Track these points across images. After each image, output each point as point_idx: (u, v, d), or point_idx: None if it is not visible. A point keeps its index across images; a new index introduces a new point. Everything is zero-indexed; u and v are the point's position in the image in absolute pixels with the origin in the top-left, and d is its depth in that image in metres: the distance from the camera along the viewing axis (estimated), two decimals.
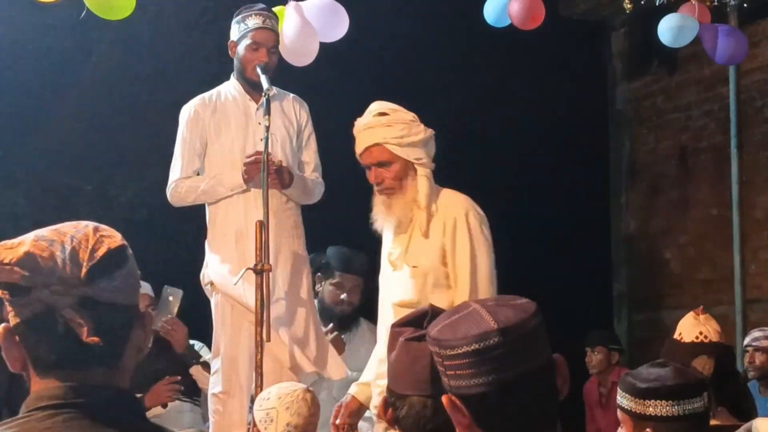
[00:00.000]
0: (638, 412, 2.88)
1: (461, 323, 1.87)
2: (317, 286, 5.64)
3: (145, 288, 6.06)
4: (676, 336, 4.11)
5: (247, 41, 5.20)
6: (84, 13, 5.30)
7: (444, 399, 1.91)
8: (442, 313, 1.97)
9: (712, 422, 3.74)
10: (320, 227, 5.60)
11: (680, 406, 2.82)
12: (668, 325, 9.41)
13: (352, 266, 5.72)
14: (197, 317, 5.87)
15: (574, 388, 1.96)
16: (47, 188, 8.94)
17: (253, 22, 5.21)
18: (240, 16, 5.28)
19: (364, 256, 5.80)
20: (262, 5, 5.30)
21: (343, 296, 5.67)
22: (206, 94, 5.34)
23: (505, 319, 1.84)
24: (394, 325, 2.59)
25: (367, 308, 5.82)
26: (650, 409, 2.84)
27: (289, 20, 5.62)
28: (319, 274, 5.63)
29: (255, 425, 3.83)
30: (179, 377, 5.69)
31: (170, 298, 5.73)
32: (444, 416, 2.01)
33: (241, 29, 5.24)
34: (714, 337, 4.04)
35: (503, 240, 9.44)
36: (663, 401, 2.82)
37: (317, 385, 5.60)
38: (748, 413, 3.95)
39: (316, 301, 5.54)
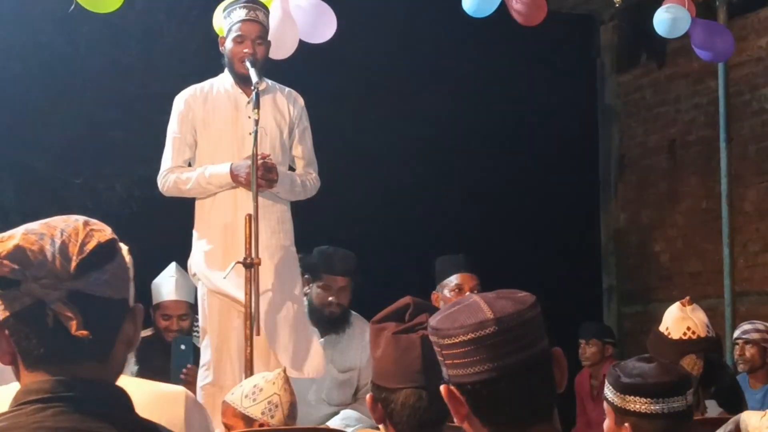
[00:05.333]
0: (619, 406, 2.92)
1: (460, 313, 1.92)
2: (305, 288, 5.62)
3: (187, 293, 5.94)
4: (663, 330, 4.07)
5: (232, 34, 5.20)
6: (73, 6, 5.28)
7: (443, 389, 1.95)
8: (445, 306, 2.01)
9: (701, 416, 3.74)
10: (308, 224, 5.59)
11: (660, 404, 2.83)
12: (657, 318, 9.34)
13: (338, 267, 5.69)
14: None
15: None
16: (36, 182, 8.92)
17: (238, 14, 5.21)
18: (227, 11, 5.28)
19: (350, 255, 5.76)
20: None
21: (331, 298, 5.64)
22: (199, 85, 5.33)
23: (502, 309, 1.90)
24: (373, 322, 2.60)
25: (356, 304, 5.82)
26: (630, 405, 2.88)
27: (272, 12, 5.62)
28: (306, 276, 5.61)
29: (253, 422, 3.80)
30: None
31: (182, 347, 5.69)
32: (440, 405, 2.03)
33: (227, 23, 5.24)
34: (702, 331, 4.00)
35: (493, 233, 9.45)
36: (643, 398, 2.83)
37: (303, 386, 5.59)
38: (737, 406, 3.95)
39: (305, 300, 5.52)
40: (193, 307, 5.86)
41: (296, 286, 5.27)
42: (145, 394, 1.78)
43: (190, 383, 5.63)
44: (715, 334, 4.06)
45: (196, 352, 5.56)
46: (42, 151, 8.80)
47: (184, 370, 5.61)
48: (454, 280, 5.82)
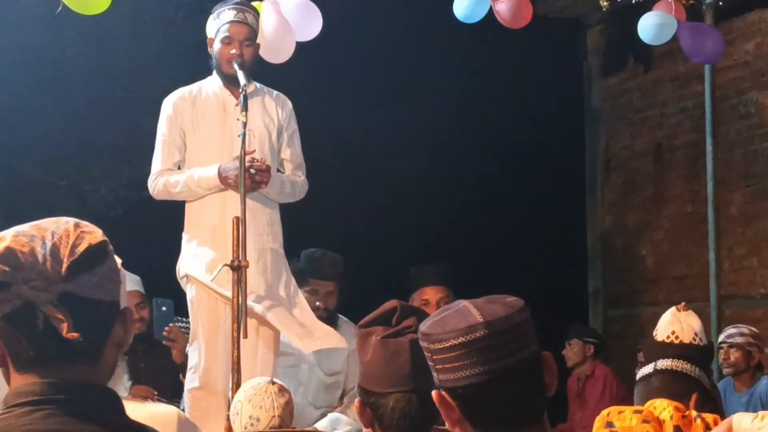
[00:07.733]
0: None
1: (449, 318, 1.93)
2: None
3: (135, 283, 6.04)
4: (654, 331, 4.10)
5: (221, 36, 5.19)
6: (60, 8, 5.27)
7: (434, 394, 1.96)
8: (435, 311, 2.02)
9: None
10: (296, 226, 5.58)
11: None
12: (643, 321, 9.46)
13: (325, 272, 5.68)
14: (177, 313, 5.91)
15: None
16: (21, 184, 8.91)
17: (227, 16, 5.20)
18: (215, 12, 5.27)
19: (338, 260, 5.75)
20: None
21: (318, 303, 5.63)
22: (187, 88, 5.32)
23: (492, 313, 1.91)
24: (360, 326, 2.60)
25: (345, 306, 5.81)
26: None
27: (265, 17, 5.60)
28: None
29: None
30: (155, 392, 5.78)
31: (164, 308, 5.79)
32: (428, 408, 2.03)
33: (216, 24, 5.23)
34: (686, 337, 3.98)
35: (480, 236, 9.46)
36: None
37: (290, 388, 5.57)
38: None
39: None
40: (145, 297, 6.04)
41: (285, 285, 5.25)
42: (137, 417, 1.78)
43: (173, 341, 5.79)
44: (706, 342, 4.05)
45: (176, 313, 5.79)
46: (27, 154, 8.78)
47: (165, 329, 5.76)
48: (421, 294, 5.83)
